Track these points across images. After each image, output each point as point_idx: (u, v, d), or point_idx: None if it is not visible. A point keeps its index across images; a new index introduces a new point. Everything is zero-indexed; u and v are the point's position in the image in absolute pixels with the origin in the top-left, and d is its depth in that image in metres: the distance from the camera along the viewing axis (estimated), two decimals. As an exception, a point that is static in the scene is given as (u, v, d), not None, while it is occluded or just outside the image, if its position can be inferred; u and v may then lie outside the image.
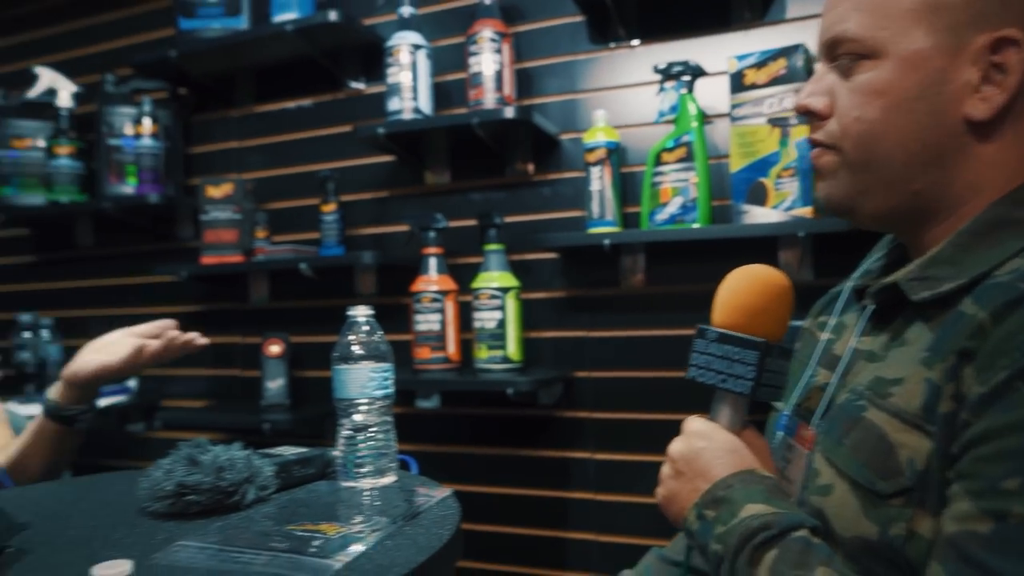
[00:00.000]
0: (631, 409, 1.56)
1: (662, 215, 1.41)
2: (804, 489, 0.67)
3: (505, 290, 1.48)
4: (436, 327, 1.51)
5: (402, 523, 0.73)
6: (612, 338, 1.58)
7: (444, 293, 1.52)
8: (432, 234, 1.55)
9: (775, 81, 1.32)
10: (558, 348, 1.62)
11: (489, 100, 1.52)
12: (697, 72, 1.43)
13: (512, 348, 1.48)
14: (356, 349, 0.90)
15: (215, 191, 1.78)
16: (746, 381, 0.67)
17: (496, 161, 1.68)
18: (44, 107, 2.06)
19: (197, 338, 1.08)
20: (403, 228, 1.75)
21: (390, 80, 1.59)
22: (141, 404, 2.03)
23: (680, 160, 1.40)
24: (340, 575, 0.59)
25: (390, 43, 1.61)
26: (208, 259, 1.78)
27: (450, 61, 1.71)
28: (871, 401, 0.61)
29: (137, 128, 1.90)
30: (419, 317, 1.52)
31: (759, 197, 1.33)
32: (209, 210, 1.78)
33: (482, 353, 1.48)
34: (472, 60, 1.55)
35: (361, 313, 0.92)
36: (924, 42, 0.61)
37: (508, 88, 1.55)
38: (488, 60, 1.53)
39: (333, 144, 1.86)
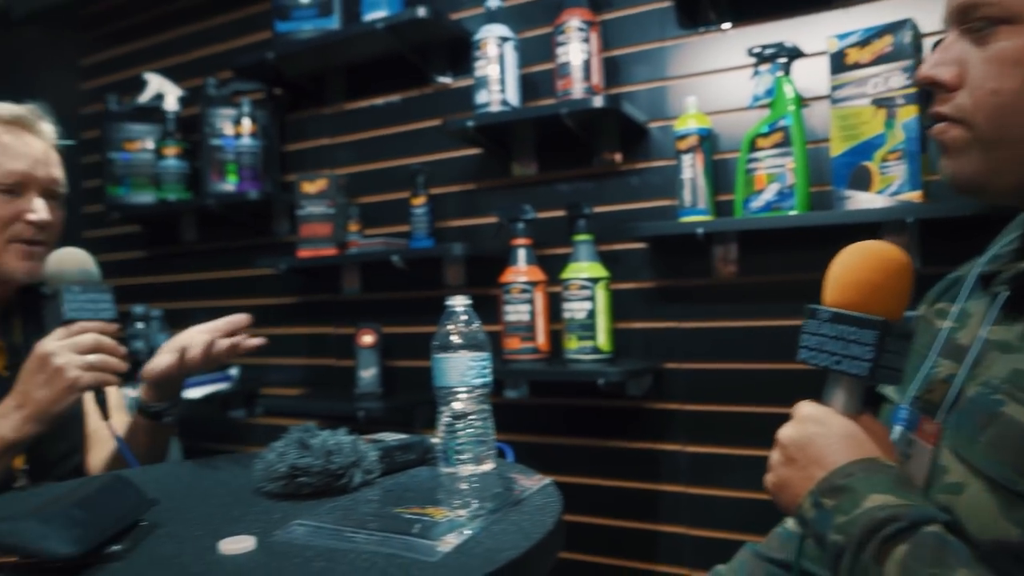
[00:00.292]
0: (723, 402, 1.53)
1: (757, 202, 1.37)
2: (929, 487, 0.63)
3: (595, 280, 1.47)
4: (525, 317, 1.52)
5: (507, 509, 0.74)
6: (703, 329, 1.55)
7: (533, 284, 1.53)
8: (521, 225, 1.56)
9: (880, 60, 1.26)
10: (647, 339, 1.61)
11: (577, 90, 1.51)
12: (794, 54, 1.38)
13: (602, 339, 1.47)
14: (455, 338, 0.92)
15: (310, 187, 1.84)
16: (863, 362, 0.63)
17: (583, 151, 1.67)
18: (152, 111, 2.18)
19: (256, 341, 1.09)
20: (491, 220, 1.76)
21: (478, 73, 1.60)
22: (242, 391, 2.13)
23: (776, 145, 1.35)
24: (451, 558, 0.61)
25: (477, 36, 1.62)
26: (304, 253, 1.84)
27: (537, 52, 1.71)
28: (1010, 395, 0.57)
29: (237, 128, 1.99)
30: (508, 308, 1.54)
31: (863, 182, 1.27)
32: (305, 205, 1.85)
33: (572, 343, 1.48)
34: (560, 50, 1.55)
35: (459, 303, 0.93)
36: None
37: (596, 77, 1.54)
38: (576, 50, 1.53)
39: (421, 138, 1.90)
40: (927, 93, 0.66)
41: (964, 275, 0.74)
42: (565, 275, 1.50)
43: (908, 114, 1.22)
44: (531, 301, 1.52)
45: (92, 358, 1.01)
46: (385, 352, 1.87)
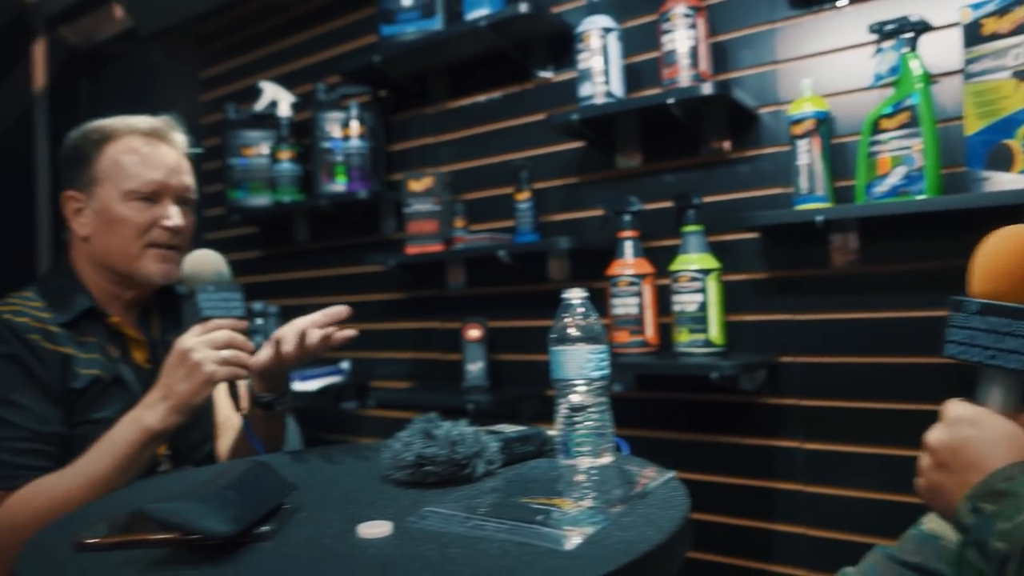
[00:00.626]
0: (844, 397, 1.46)
1: (881, 187, 1.30)
2: None
3: (706, 272, 1.44)
4: (634, 311, 1.51)
5: (634, 501, 0.74)
6: (822, 321, 1.49)
7: (641, 276, 1.51)
8: (627, 218, 1.54)
9: (1021, 29, 1.16)
10: (760, 332, 1.55)
11: (684, 78, 1.48)
12: (921, 27, 1.30)
13: (714, 331, 1.44)
14: (572, 331, 0.92)
15: (416, 185, 1.89)
16: (1022, 356, 0.59)
17: (690, 141, 1.63)
18: (267, 118, 2.29)
19: (348, 333, 1.11)
20: (595, 213, 1.75)
21: (581, 66, 1.60)
22: (353, 384, 2.21)
23: (902, 126, 1.28)
24: (584, 548, 0.61)
25: (580, 29, 1.62)
26: (412, 249, 1.89)
27: (640, 42, 1.69)
28: None
29: (345, 131, 2.06)
30: (616, 301, 1.52)
31: (1003, 161, 1.18)
32: (411, 203, 1.90)
33: (683, 337, 1.45)
34: (665, 38, 1.52)
35: (576, 296, 0.93)
36: None
37: (704, 64, 1.50)
38: (682, 36, 1.49)
39: (523, 134, 1.91)
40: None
41: None
42: (674, 267, 1.48)
43: (1055, 86, 1.13)
44: (639, 294, 1.51)
45: (226, 353, 1.07)
46: (490, 346, 1.90)
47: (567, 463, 0.91)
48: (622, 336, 1.52)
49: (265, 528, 0.67)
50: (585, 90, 1.59)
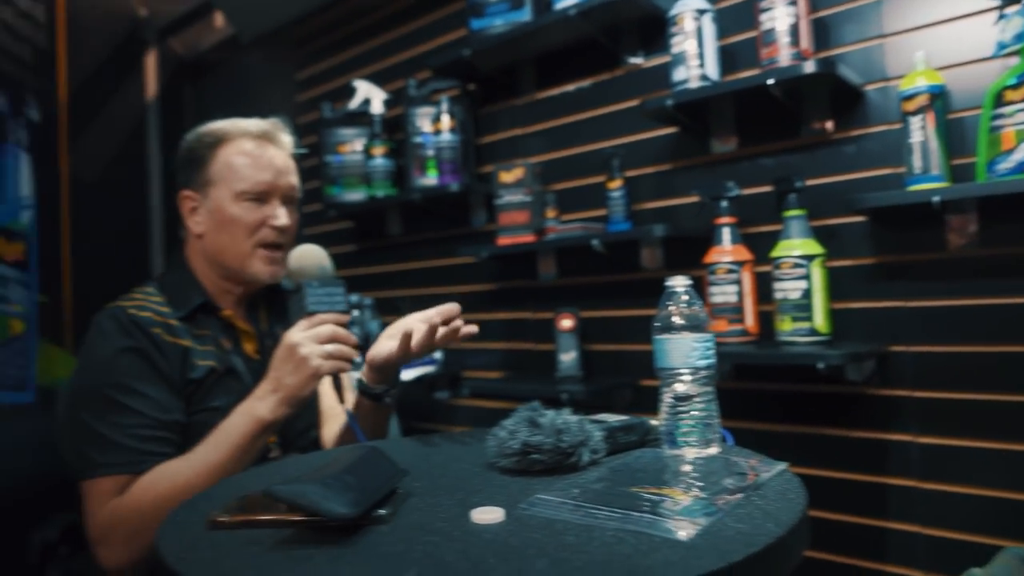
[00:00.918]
0: (961, 388, 1.38)
1: (1006, 164, 1.21)
2: None
3: (810, 258, 1.38)
4: (733, 299, 1.47)
5: (748, 493, 0.72)
6: (936, 308, 1.41)
7: (740, 263, 1.47)
8: (724, 203, 1.50)
9: None
10: (868, 320, 1.48)
11: (784, 57, 1.42)
12: (1050, -10, 1.20)
13: (819, 319, 1.38)
14: (677, 319, 0.90)
15: (507, 176, 1.90)
16: None
17: (790, 122, 1.57)
18: (361, 115, 2.36)
19: (472, 328, 1.12)
20: (689, 200, 1.72)
21: (674, 50, 1.56)
22: (446, 374, 2.25)
23: (1029, 97, 1.19)
24: (702, 539, 0.60)
25: (673, 12, 1.58)
26: (504, 240, 1.91)
27: (735, 22, 1.63)
28: None
29: (436, 125, 2.09)
30: (714, 289, 1.49)
31: None
32: (502, 194, 1.91)
33: (785, 325, 1.40)
34: (764, 16, 1.46)
35: (680, 284, 0.92)
36: None
37: (805, 41, 1.44)
38: (782, 14, 1.44)
39: (613, 122, 1.89)
40: None
41: None
42: (776, 253, 1.43)
43: None
44: (738, 282, 1.46)
45: (330, 347, 1.11)
46: (582, 336, 1.89)
47: (672, 453, 0.90)
48: (720, 325, 1.48)
49: (382, 512, 0.69)
50: (679, 74, 1.55)
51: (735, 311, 1.47)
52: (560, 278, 2.01)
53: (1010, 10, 1.26)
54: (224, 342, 1.28)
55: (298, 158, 1.40)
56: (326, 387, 1.39)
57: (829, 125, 1.53)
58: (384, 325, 2.32)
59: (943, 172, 1.30)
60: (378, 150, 2.24)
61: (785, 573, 0.62)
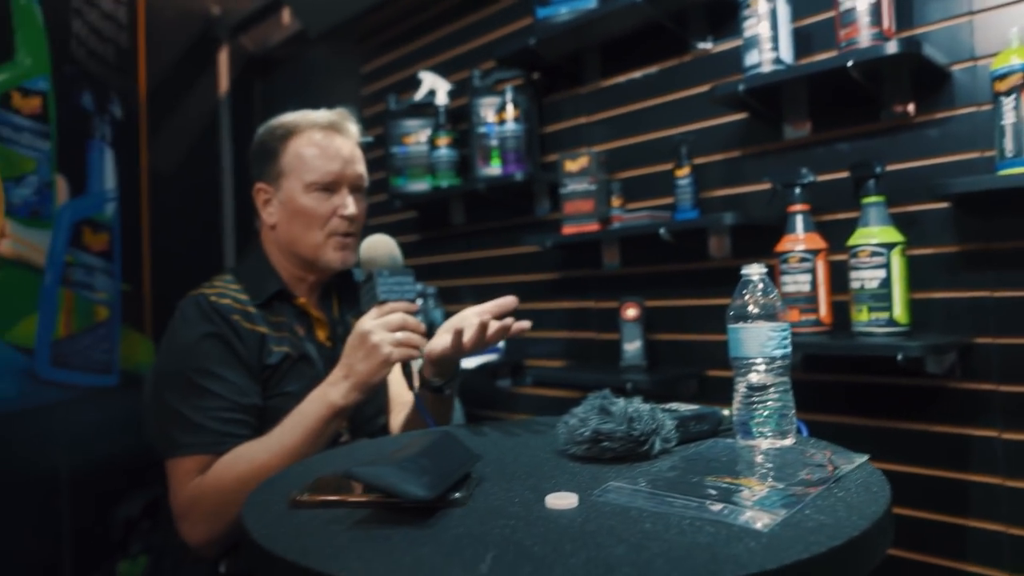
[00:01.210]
0: (1054, 383, 1.31)
1: (1107, 146, 1.14)
2: None
3: (889, 246, 1.33)
4: (805, 288, 1.42)
5: (829, 485, 0.70)
6: (1026, 299, 1.34)
7: (814, 252, 1.43)
8: (797, 190, 1.46)
9: None
10: (950, 310, 1.42)
11: (864, 38, 1.37)
12: None
13: (898, 310, 1.33)
14: (752, 308, 0.88)
15: (572, 165, 1.89)
16: None
17: (868, 106, 1.51)
18: (425, 106, 2.38)
19: (524, 324, 1.12)
20: (758, 187, 1.68)
21: (747, 33, 1.52)
22: (508, 362, 2.26)
23: None
24: (785, 529, 0.59)
25: (745, -6, 1.54)
26: (568, 229, 1.90)
27: (810, 3, 1.58)
28: None
29: (500, 115, 2.10)
30: (786, 278, 1.45)
31: None
32: (567, 183, 1.90)
33: (862, 315, 1.36)
34: (842, -4, 1.41)
35: (755, 272, 0.90)
36: None
37: (887, 21, 1.38)
38: (861, -7, 1.38)
39: (680, 108, 1.85)
40: None
41: None
42: (853, 241, 1.38)
43: None
44: (812, 271, 1.42)
45: (400, 335, 1.13)
46: (647, 325, 1.87)
47: (746, 443, 0.88)
48: (792, 315, 1.44)
49: (456, 495, 0.70)
50: (751, 58, 1.51)
51: (808, 301, 1.43)
52: (624, 267, 2.00)
53: (1114, -19, 1.18)
54: (298, 329, 1.31)
55: (365, 148, 1.42)
56: (394, 375, 1.41)
57: (911, 108, 1.46)
58: (447, 314, 2.34)
59: (1037, 155, 1.23)
60: (442, 140, 2.26)
61: (868, 568, 0.60)
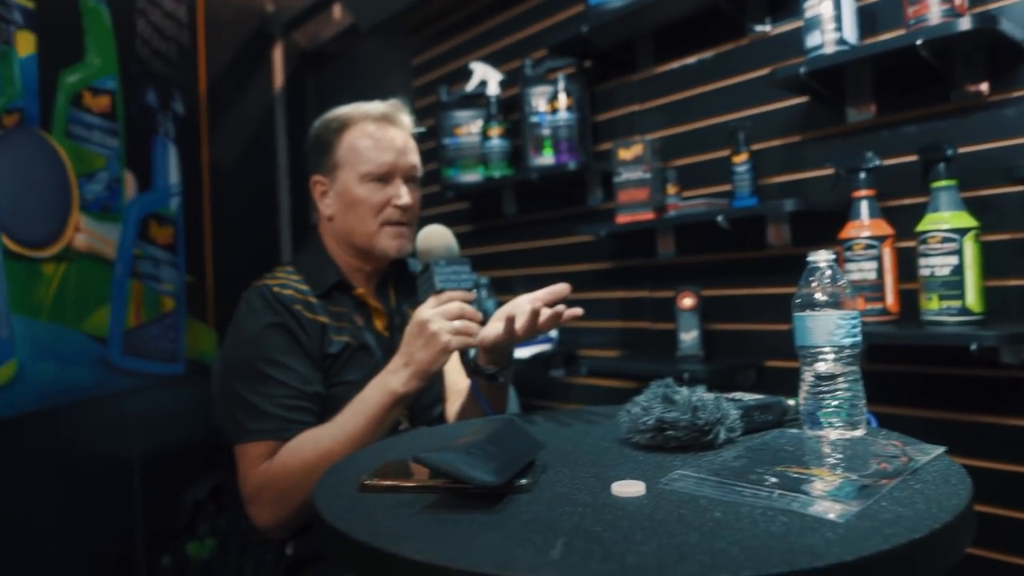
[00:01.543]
0: None
1: None
2: None
3: (962, 231, 1.28)
4: (871, 276, 1.38)
5: (906, 476, 0.68)
6: (1110, 285, 1.27)
7: (880, 239, 1.38)
8: (862, 175, 1.42)
9: None
10: (1027, 298, 1.36)
11: (935, 15, 1.32)
12: None
13: (971, 298, 1.28)
14: (819, 295, 0.86)
15: (626, 153, 1.87)
16: None
17: (938, 85, 1.46)
18: (476, 97, 2.38)
19: (576, 311, 1.11)
20: (819, 172, 1.63)
21: (808, 14, 1.48)
22: (561, 352, 2.26)
23: None
24: (862, 521, 0.57)
25: (806, -27, 1.50)
26: (623, 218, 1.88)
27: (874, -20, 1.53)
28: None
29: (553, 104, 2.09)
30: (851, 266, 1.41)
31: None
32: (621, 172, 1.88)
33: (932, 304, 1.31)
34: (910, -28, 1.36)
35: (822, 259, 0.88)
36: None
37: (958, -4, 1.33)
38: (930, -32, 1.33)
39: (736, 93, 1.81)
40: None
41: None
42: (922, 227, 1.33)
43: None
44: (878, 258, 1.38)
45: (458, 324, 1.14)
46: (703, 315, 1.84)
47: (814, 434, 0.86)
48: (858, 303, 1.40)
49: (523, 481, 0.70)
50: (813, 40, 1.47)
51: (874, 289, 1.39)
52: (679, 256, 1.97)
53: None
54: (357, 319, 1.34)
55: (417, 138, 1.43)
56: (452, 364, 1.42)
57: (984, 87, 1.40)
58: (499, 304, 2.35)
59: (1123, 134, 1.17)
60: (494, 131, 2.26)
61: (949, 563, 0.58)
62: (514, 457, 0.72)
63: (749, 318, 1.81)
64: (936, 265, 1.30)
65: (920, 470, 0.71)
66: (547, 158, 2.14)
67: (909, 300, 1.43)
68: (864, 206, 1.41)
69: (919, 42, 1.29)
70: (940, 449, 0.77)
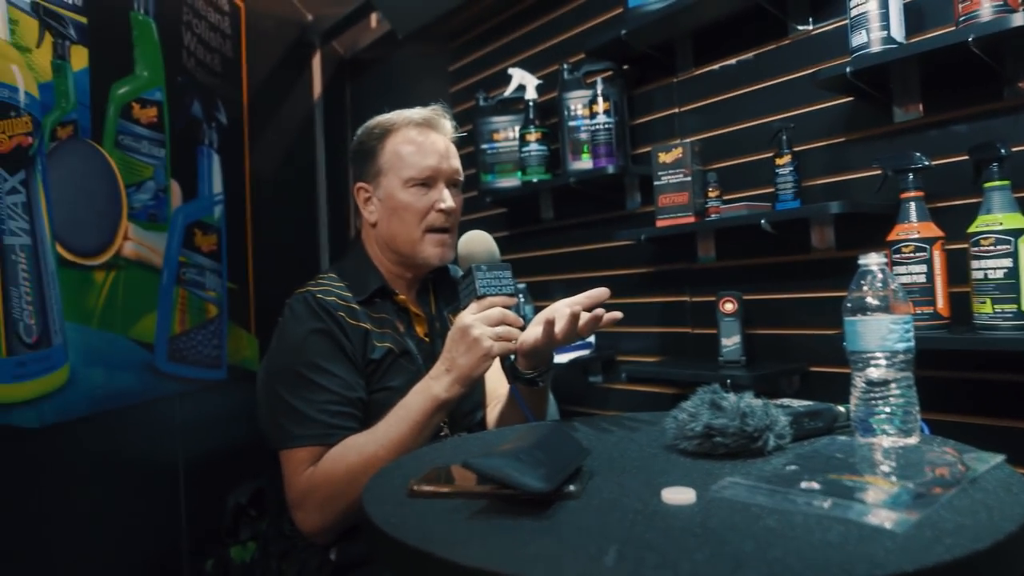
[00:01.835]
0: None
1: None
2: None
3: (1016, 233, 1.24)
4: (921, 279, 1.35)
5: (965, 485, 0.66)
6: None
7: (930, 241, 1.35)
8: (911, 176, 1.38)
9: None
10: (1086, 302, 1.32)
11: (986, 10, 1.28)
12: None
13: (1027, 301, 1.24)
14: (871, 299, 0.85)
15: (665, 157, 1.86)
16: None
17: (990, 83, 1.42)
18: (514, 102, 2.39)
19: (615, 315, 1.10)
20: (866, 174, 1.60)
21: (853, 12, 1.45)
22: (600, 358, 2.25)
23: None
24: (922, 531, 0.56)
25: (850, -28, 1.47)
26: (663, 222, 1.87)
27: (921, -23, 1.50)
28: None
29: (592, 107, 2.08)
30: (899, 269, 1.38)
31: None
32: (661, 175, 1.87)
33: (985, 308, 1.28)
34: (959, -33, 1.32)
35: (874, 262, 0.86)
36: None
37: (1011, -9, 1.29)
38: (981, -38, 1.29)
39: (778, 94, 1.79)
40: None
41: None
42: (974, 229, 1.29)
43: None
44: (927, 261, 1.35)
45: (500, 329, 1.14)
46: (744, 319, 1.82)
47: (866, 441, 0.85)
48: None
49: (571, 488, 0.70)
50: (858, 38, 1.44)
51: (924, 292, 1.35)
52: (719, 260, 1.95)
53: None
54: (399, 325, 1.35)
55: (458, 143, 1.44)
56: (492, 370, 1.43)
57: (1037, 84, 1.37)
58: (537, 310, 2.35)
59: None
60: (532, 136, 2.27)
61: (1014, 575, 0.56)
62: (562, 463, 0.72)
63: (792, 323, 1.78)
64: (989, 268, 1.26)
65: (979, 479, 0.69)
66: (585, 162, 2.14)
67: (960, 304, 1.39)
68: (913, 208, 1.38)
69: (971, 39, 1.26)
70: (999, 457, 0.75)
